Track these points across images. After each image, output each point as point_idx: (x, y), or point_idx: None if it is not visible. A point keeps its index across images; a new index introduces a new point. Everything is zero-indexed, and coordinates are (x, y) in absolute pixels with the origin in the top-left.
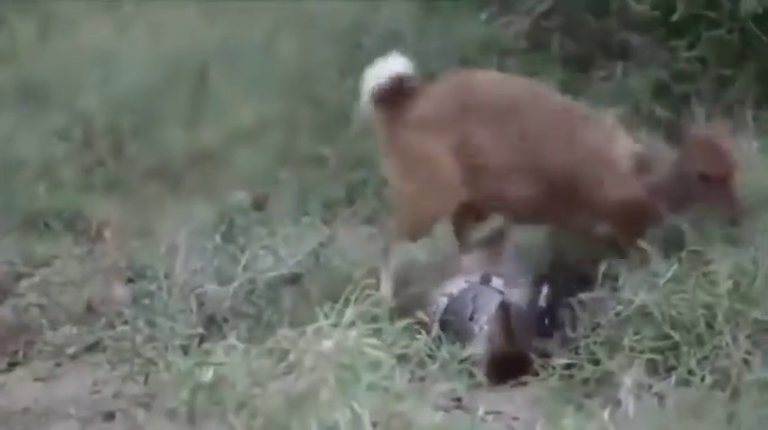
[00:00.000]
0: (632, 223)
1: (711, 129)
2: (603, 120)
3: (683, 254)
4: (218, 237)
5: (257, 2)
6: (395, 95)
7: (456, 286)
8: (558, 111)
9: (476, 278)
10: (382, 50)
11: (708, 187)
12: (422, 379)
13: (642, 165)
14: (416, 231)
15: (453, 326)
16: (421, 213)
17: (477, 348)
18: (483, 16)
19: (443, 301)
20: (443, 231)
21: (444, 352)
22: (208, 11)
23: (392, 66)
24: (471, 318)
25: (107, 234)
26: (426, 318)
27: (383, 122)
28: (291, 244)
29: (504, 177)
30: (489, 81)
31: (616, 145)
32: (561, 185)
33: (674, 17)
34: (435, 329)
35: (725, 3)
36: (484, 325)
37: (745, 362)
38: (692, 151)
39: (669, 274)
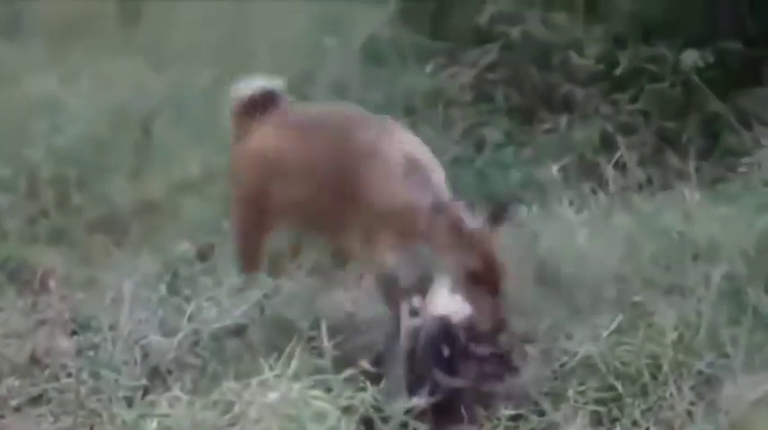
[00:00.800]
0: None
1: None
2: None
3: (627, 304)
4: (162, 288)
5: (201, 54)
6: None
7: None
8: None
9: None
10: (328, 100)
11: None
12: None
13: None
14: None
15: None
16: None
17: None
18: (428, 68)
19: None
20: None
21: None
22: (153, 63)
23: (258, 81)
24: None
25: (51, 285)
26: (370, 368)
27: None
28: (236, 295)
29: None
30: (303, 109)
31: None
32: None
33: (617, 71)
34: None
35: (667, 57)
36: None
37: (689, 413)
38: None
39: (613, 326)
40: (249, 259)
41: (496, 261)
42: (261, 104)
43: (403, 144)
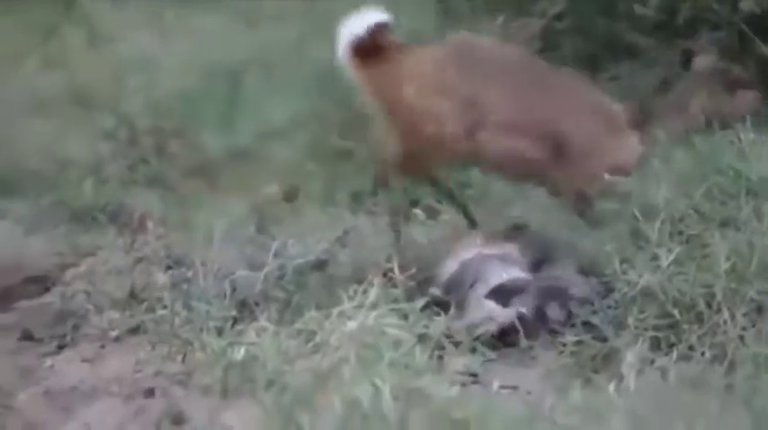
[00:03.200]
0: None
1: None
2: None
3: (684, 237)
4: (251, 227)
5: (289, 8)
6: (374, 47)
7: (467, 254)
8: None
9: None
10: None
11: None
12: (440, 357)
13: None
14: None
15: (455, 294)
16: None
17: (474, 317)
18: (499, 19)
19: (453, 266)
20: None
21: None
22: (243, 18)
23: (370, 17)
24: (471, 286)
25: (149, 225)
26: (441, 296)
27: (367, 77)
28: (317, 232)
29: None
30: (486, 44)
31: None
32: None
33: (678, 19)
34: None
35: (725, 5)
36: (482, 295)
37: (741, 338)
38: None
39: (671, 257)
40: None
41: None
42: (378, 37)
43: None
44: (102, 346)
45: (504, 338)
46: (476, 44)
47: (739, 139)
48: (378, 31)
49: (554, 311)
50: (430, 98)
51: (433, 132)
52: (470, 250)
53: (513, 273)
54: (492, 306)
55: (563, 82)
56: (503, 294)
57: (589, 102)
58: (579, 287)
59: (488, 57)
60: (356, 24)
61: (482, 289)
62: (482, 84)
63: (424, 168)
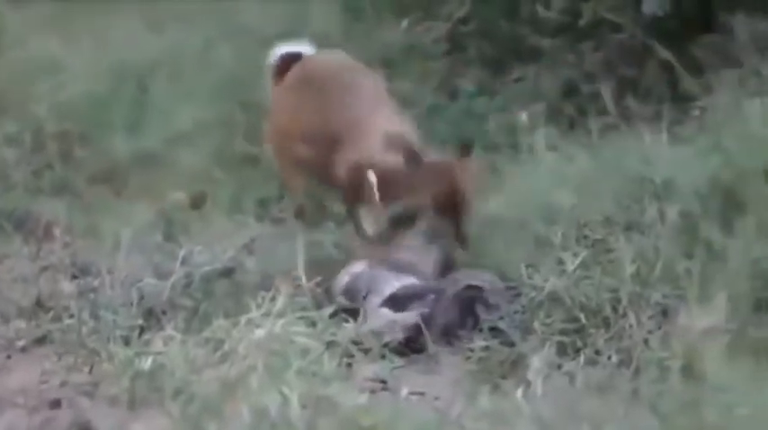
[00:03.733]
0: None
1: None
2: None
3: (589, 241)
4: (158, 235)
5: (195, 11)
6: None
7: (357, 266)
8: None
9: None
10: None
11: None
12: (349, 364)
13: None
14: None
15: (349, 306)
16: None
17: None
18: (404, 23)
19: (344, 280)
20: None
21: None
22: (149, 21)
23: (291, 47)
24: (365, 298)
25: (55, 233)
26: (348, 304)
27: None
28: (225, 240)
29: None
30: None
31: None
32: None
33: (581, 22)
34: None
35: (627, 8)
36: (377, 304)
37: (646, 341)
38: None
39: (577, 262)
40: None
41: (458, 189)
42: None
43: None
44: (8, 357)
45: (410, 345)
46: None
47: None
48: (290, 60)
49: (460, 316)
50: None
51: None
52: (359, 264)
53: (406, 280)
54: (389, 314)
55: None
56: (398, 302)
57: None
58: (494, 291)
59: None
60: (276, 53)
61: (376, 299)
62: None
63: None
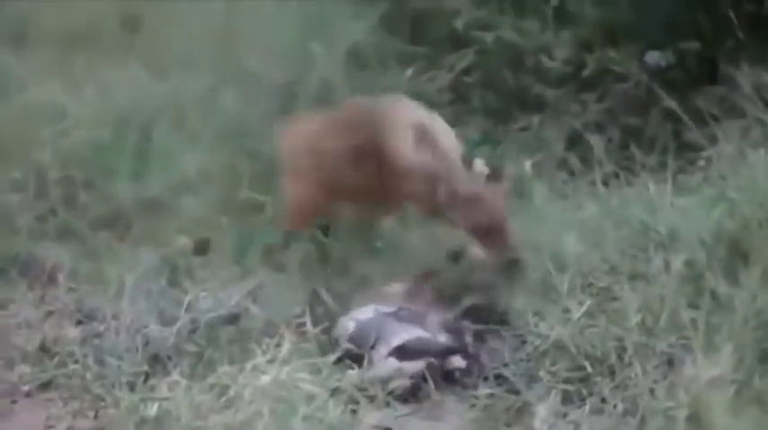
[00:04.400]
0: None
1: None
2: None
3: (594, 290)
4: (162, 281)
5: (197, 61)
6: None
7: (364, 313)
8: None
9: (388, 308)
10: (315, 101)
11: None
12: (354, 411)
13: None
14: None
15: (355, 352)
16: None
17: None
18: (408, 72)
19: (350, 327)
20: None
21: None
22: (153, 70)
23: None
24: (373, 347)
25: (59, 278)
26: (354, 349)
27: None
28: (230, 286)
29: None
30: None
31: None
32: None
33: (585, 72)
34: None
35: (631, 58)
36: (384, 355)
37: (652, 391)
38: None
39: (582, 310)
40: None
41: (500, 214)
42: None
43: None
44: (13, 401)
45: (415, 393)
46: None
47: (647, 191)
48: None
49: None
50: None
51: None
52: (367, 310)
53: (415, 332)
54: (396, 363)
55: None
56: (406, 353)
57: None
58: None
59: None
60: None
61: (383, 349)
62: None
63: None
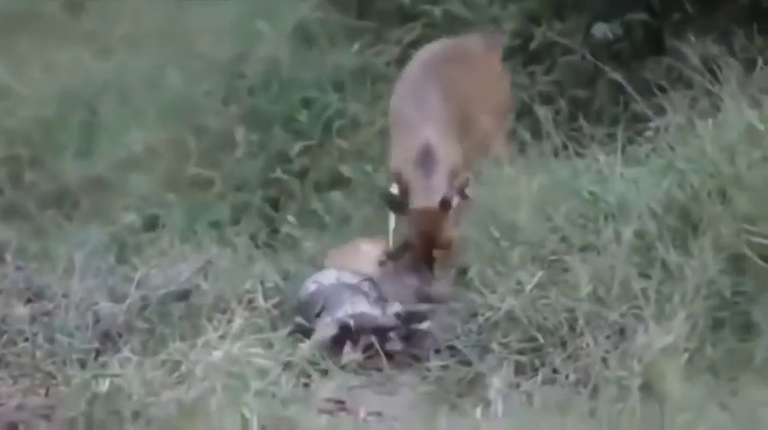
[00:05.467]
0: None
1: None
2: None
3: (546, 262)
4: (111, 258)
5: (142, 41)
6: None
7: (326, 278)
8: None
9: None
10: (262, 78)
11: None
12: (306, 384)
13: None
14: None
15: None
16: None
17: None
18: (356, 47)
19: (311, 288)
20: None
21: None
22: (97, 50)
23: None
24: (318, 315)
25: (7, 257)
26: (305, 324)
27: None
28: (180, 262)
29: None
30: None
31: None
32: None
33: (533, 45)
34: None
35: (578, 31)
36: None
37: (604, 361)
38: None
39: (534, 281)
40: None
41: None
42: None
43: None
44: None
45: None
46: None
47: (596, 162)
48: None
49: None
50: None
51: None
52: (329, 274)
53: (361, 307)
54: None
55: None
56: (345, 326)
57: None
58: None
59: None
60: None
61: (327, 319)
62: None
63: None
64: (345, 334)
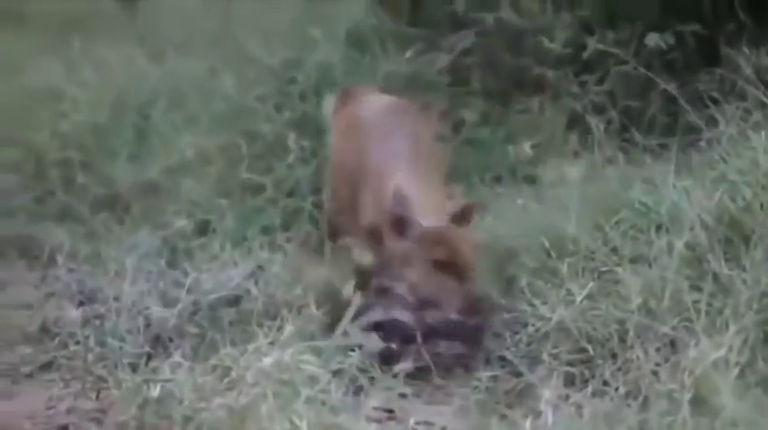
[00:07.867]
0: None
1: None
2: None
3: (596, 273)
4: (162, 262)
5: (196, 44)
6: None
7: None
8: None
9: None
10: (314, 84)
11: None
12: (356, 392)
13: None
14: None
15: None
16: None
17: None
18: (408, 54)
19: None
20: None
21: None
22: (151, 52)
23: None
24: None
25: (59, 259)
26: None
27: None
28: (231, 268)
29: None
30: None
31: None
32: None
33: (585, 54)
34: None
35: (631, 40)
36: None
37: (654, 373)
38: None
39: (585, 293)
40: None
41: (460, 252)
42: None
43: None
44: (14, 382)
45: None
46: None
47: (648, 173)
48: None
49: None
50: None
51: None
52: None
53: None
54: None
55: None
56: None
57: None
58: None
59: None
60: None
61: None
62: None
63: None
64: (393, 341)
